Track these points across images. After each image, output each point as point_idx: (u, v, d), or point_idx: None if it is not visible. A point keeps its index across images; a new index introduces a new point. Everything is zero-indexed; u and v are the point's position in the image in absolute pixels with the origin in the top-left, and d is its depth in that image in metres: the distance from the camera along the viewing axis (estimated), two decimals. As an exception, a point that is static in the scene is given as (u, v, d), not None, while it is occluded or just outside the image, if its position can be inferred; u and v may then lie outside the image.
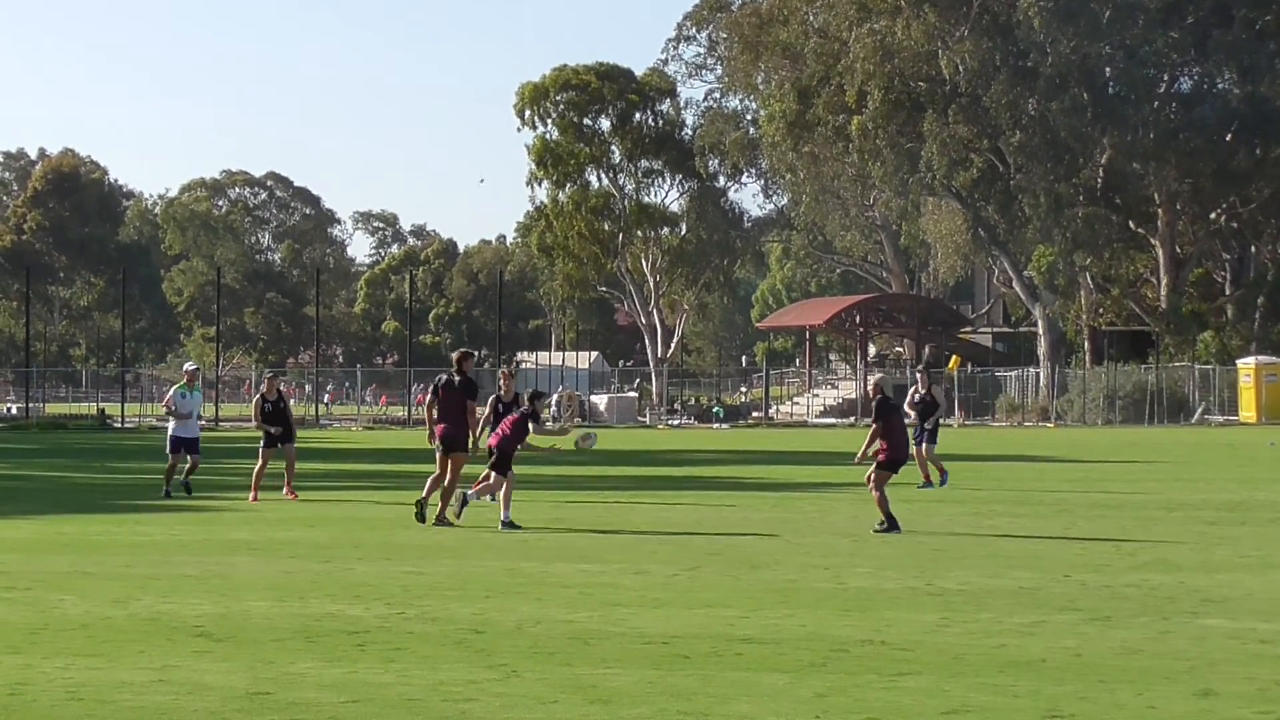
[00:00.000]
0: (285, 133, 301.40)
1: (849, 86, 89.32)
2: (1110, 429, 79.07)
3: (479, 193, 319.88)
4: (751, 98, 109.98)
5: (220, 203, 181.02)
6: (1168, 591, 17.11)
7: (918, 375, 37.38)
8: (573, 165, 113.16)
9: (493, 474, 24.86)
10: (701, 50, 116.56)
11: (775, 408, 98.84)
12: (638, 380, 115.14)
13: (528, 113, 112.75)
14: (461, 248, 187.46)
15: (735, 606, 16.07)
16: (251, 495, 30.21)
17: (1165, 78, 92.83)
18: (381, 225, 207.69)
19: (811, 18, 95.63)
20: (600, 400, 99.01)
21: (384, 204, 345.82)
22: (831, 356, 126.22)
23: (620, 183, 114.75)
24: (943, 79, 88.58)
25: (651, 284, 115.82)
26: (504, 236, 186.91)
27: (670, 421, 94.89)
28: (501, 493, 24.52)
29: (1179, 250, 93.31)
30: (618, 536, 23.56)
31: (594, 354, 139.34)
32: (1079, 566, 19.33)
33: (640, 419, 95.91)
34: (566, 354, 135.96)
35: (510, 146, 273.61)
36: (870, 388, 28.70)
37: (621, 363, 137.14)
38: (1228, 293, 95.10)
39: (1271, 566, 19.46)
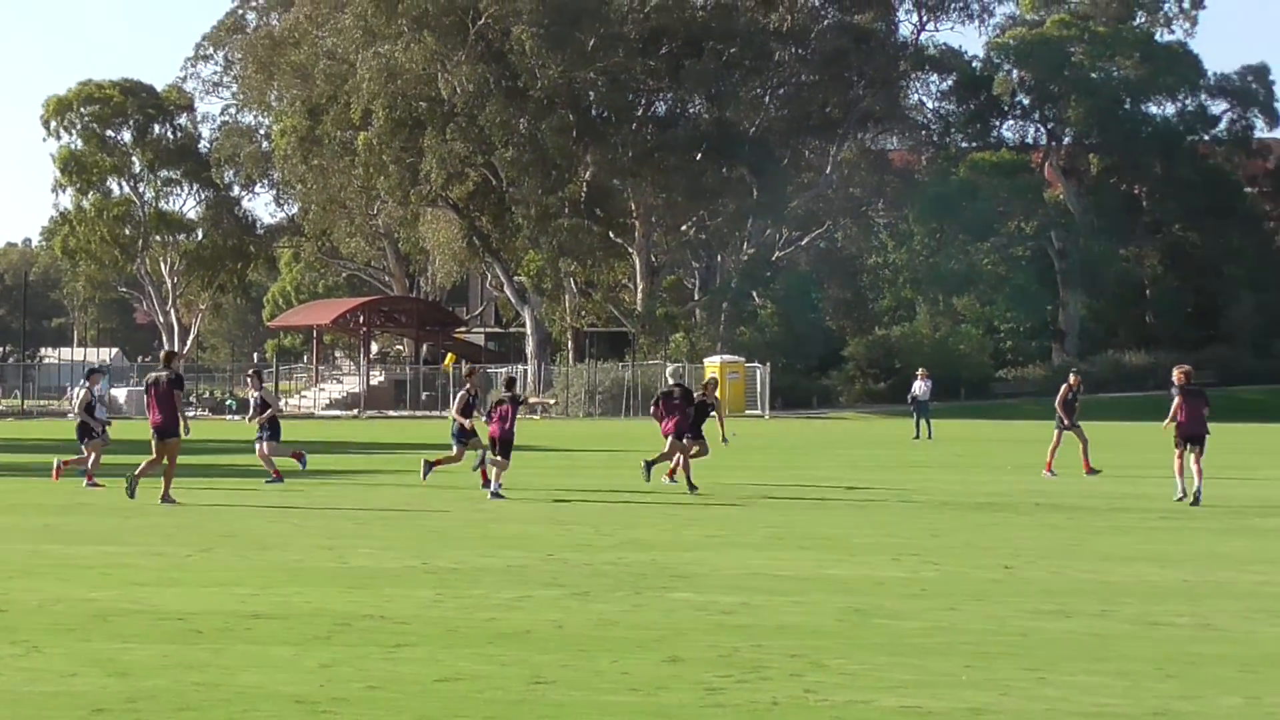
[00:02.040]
0: None
1: (355, 105, 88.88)
2: (591, 421, 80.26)
3: (7, 193, 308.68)
4: (265, 114, 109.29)
5: None
6: (641, 569, 17.39)
7: (247, 378, 37.03)
8: (96, 174, 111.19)
9: (500, 458, 27.39)
10: (219, 69, 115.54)
11: (285, 401, 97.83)
12: (104, 374, 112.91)
13: (53, 123, 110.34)
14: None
15: (246, 584, 15.94)
16: None
17: (643, 101, 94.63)
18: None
19: (321, 40, 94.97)
20: (121, 393, 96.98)
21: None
22: (337, 353, 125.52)
23: (141, 191, 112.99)
24: (442, 99, 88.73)
25: (170, 285, 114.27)
26: (29, 240, 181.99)
27: (187, 413, 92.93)
28: (498, 469, 27.24)
29: (654, 259, 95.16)
30: (137, 520, 23.13)
31: (114, 350, 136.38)
32: (562, 547, 19.59)
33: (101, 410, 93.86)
34: (89, 350, 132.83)
35: (36, 154, 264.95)
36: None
37: (141, 358, 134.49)
38: (696, 298, 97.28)
39: (733, 545, 19.96)
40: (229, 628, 13.30)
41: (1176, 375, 28.56)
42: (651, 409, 31.88)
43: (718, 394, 33.29)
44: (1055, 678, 11.18)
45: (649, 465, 30.45)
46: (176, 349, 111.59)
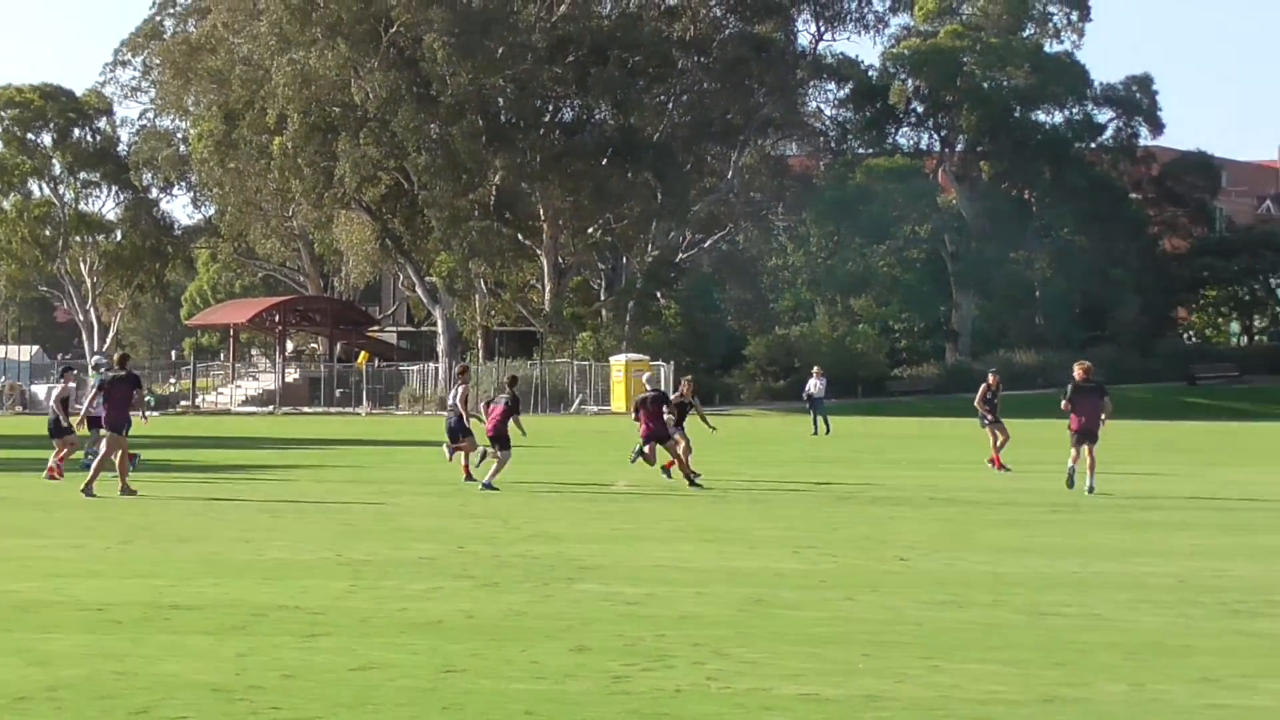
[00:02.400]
0: None
1: (271, 110, 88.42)
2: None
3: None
4: (183, 118, 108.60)
5: None
6: (549, 560, 17.40)
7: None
8: (16, 176, 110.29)
9: (499, 451, 28.76)
10: (137, 74, 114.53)
11: (201, 397, 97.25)
12: (75, 372, 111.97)
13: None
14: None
15: (165, 576, 15.85)
16: None
17: (550, 108, 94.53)
18: None
19: (237, 47, 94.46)
20: (41, 389, 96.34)
21: None
22: (254, 351, 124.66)
23: (60, 193, 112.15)
24: (355, 105, 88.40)
25: (89, 284, 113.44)
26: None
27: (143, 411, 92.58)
28: (499, 463, 28.34)
29: (561, 260, 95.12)
30: (58, 513, 22.95)
31: (35, 348, 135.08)
32: (472, 539, 19.60)
33: (77, 407, 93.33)
34: (9, 347, 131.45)
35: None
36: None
37: (62, 355, 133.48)
38: (603, 298, 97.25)
39: (639, 538, 20.03)
40: (147, 618, 13.22)
41: (1077, 372, 28.78)
42: (632, 415, 32.43)
43: (685, 392, 33.52)
44: (949, 666, 11.25)
45: (644, 461, 31.10)
46: (98, 347, 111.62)
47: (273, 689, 10.38)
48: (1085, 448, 27.27)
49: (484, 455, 29.75)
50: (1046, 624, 13.18)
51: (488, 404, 30.22)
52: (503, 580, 15.75)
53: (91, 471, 26.61)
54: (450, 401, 31.83)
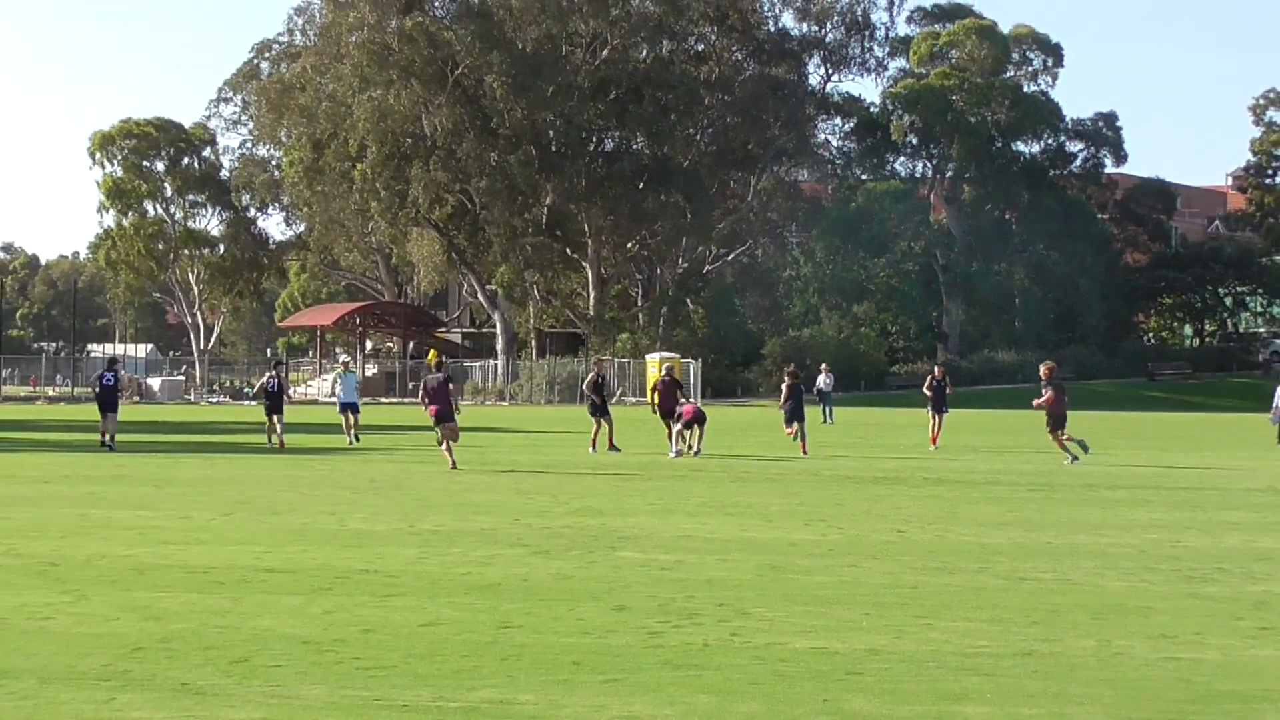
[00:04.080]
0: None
1: (353, 140, 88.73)
2: (551, 407, 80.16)
3: (59, 214, 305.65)
4: (276, 147, 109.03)
5: None
6: (593, 531, 17.38)
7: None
8: (134, 198, 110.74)
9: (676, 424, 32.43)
10: (237, 110, 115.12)
11: (293, 389, 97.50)
12: (184, 367, 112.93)
13: (98, 155, 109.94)
14: (43, 261, 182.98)
15: (260, 544, 15.89)
16: None
17: (594, 139, 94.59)
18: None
19: (323, 86, 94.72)
20: (155, 382, 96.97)
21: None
22: (338, 349, 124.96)
23: (171, 212, 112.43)
24: (425, 136, 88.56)
25: (196, 291, 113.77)
26: (78, 253, 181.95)
27: (210, 399, 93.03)
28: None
29: (603, 271, 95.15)
30: (167, 489, 23.02)
31: (150, 346, 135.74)
32: (526, 513, 19.60)
33: (186, 397, 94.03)
34: (128, 345, 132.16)
35: (83, 181, 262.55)
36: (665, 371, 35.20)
37: (172, 353, 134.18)
38: (639, 304, 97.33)
39: (670, 512, 19.98)
40: (246, 580, 13.25)
41: (1043, 370, 29.15)
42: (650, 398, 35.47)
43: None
44: (940, 624, 11.22)
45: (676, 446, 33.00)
46: (203, 346, 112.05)
47: (354, 642, 10.40)
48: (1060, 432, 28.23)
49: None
50: (1024, 588, 13.14)
51: (652, 389, 33.61)
52: (553, 548, 15.73)
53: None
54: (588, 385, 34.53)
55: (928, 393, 37.38)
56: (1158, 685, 9.19)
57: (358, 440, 36.25)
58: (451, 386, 29.33)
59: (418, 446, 33.87)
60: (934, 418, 36.75)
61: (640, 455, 32.47)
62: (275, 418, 35.01)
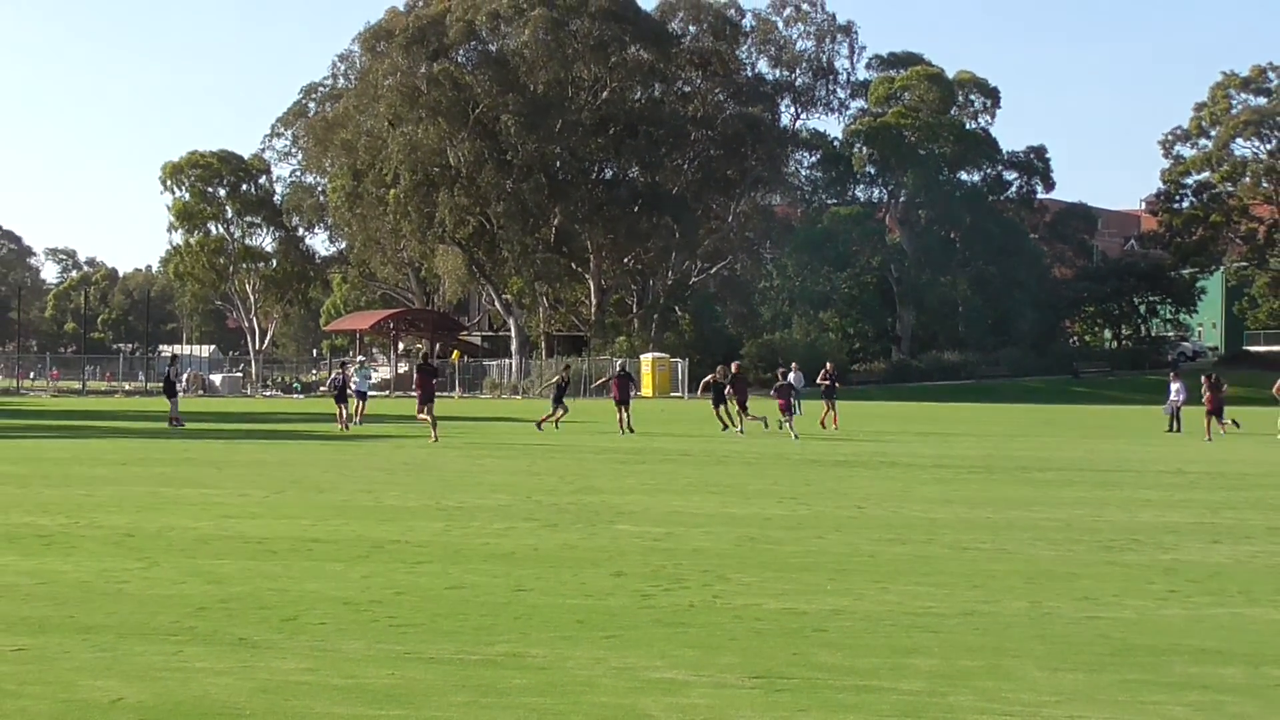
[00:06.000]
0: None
1: (387, 170, 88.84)
2: (558, 399, 79.97)
3: (135, 232, 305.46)
4: (322, 175, 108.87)
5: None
6: (594, 507, 17.34)
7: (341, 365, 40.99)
8: (199, 219, 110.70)
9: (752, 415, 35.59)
10: (288, 143, 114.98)
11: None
12: (242, 365, 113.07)
13: (169, 182, 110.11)
14: (121, 274, 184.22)
15: (308, 518, 15.87)
16: None
17: (596, 169, 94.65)
18: (65, 256, 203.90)
19: (362, 123, 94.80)
20: (217, 378, 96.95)
21: (67, 241, 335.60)
22: (375, 349, 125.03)
23: (231, 231, 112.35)
24: (450, 166, 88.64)
25: (252, 300, 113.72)
26: (150, 266, 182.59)
27: (264, 393, 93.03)
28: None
29: (603, 283, 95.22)
30: (228, 470, 22.98)
31: (212, 346, 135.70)
32: (537, 491, 19.57)
33: (244, 391, 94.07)
34: (194, 346, 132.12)
35: (155, 205, 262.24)
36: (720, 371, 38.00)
37: (231, 353, 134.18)
38: (634, 311, 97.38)
39: (662, 491, 19.96)
40: (295, 549, 13.23)
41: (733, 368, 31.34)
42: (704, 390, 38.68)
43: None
44: (894, 587, 11.21)
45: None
46: (258, 347, 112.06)
47: (388, 602, 10.38)
48: None
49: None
50: (966, 556, 13.13)
51: (710, 383, 36.68)
52: (560, 522, 15.70)
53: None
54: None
55: (822, 383, 40.06)
56: (1082, 640, 9.19)
57: (359, 424, 37.78)
58: (435, 380, 33.00)
59: (444, 435, 33.78)
60: (828, 406, 38.90)
61: (639, 441, 32.36)
62: (345, 406, 36.82)
